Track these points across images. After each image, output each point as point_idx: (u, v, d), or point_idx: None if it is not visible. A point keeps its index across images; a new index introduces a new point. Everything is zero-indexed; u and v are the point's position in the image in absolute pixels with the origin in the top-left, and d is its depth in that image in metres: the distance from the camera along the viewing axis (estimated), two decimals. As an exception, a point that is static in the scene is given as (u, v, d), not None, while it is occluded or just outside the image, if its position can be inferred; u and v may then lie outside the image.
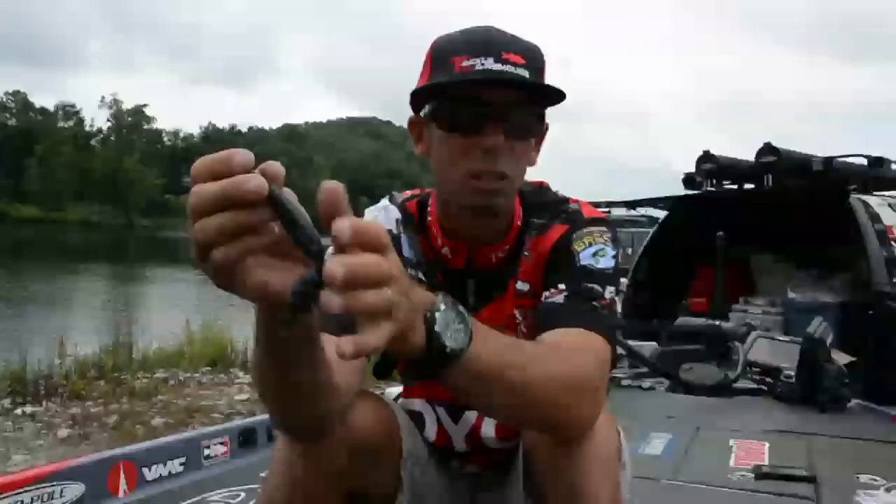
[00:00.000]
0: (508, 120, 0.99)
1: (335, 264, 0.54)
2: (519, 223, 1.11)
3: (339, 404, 0.87)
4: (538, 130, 1.05)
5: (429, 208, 1.14)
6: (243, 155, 0.56)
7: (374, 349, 0.57)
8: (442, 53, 1.01)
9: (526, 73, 0.98)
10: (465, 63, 0.98)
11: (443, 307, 0.71)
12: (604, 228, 1.07)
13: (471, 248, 1.10)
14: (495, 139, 0.98)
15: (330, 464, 0.96)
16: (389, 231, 1.12)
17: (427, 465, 1.18)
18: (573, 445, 0.93)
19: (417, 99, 1.06)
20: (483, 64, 0.97)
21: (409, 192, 1.20)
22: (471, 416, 1.16)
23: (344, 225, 0.55)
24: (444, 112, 1.02)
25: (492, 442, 1.17)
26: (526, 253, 1.09)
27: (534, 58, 1.01)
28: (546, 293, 1.01)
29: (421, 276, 1.12)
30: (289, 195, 0.58)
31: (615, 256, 1.05)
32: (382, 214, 1.16)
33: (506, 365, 0.77)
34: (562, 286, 1.00)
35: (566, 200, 1.13)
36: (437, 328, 0.69)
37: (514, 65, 0.98)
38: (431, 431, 1.19)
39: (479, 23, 1.06)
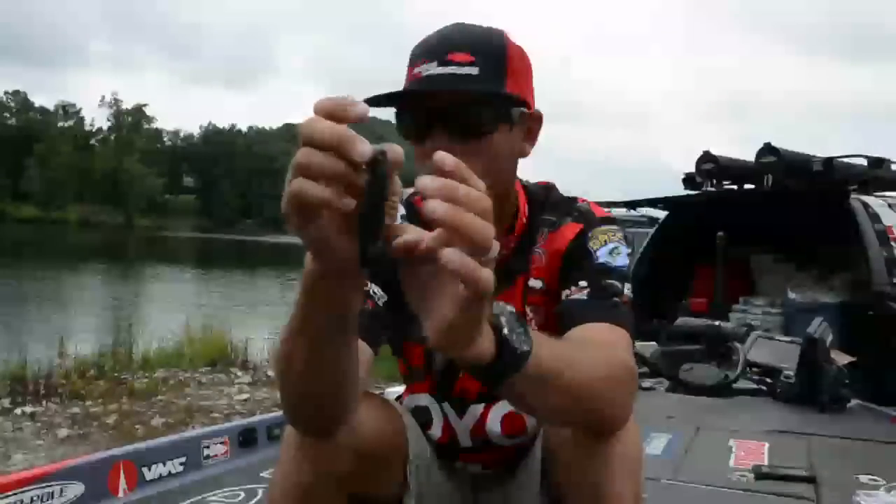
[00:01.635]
0: (453, 122, 0.97)
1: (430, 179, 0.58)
2: (525, 220, 1.11)
3: (355, 397, 0.88)
4: (493, 125, 1.00)
5: None
6: (361, 109, 0.60)
7: (483, 283, 0.59)
8: (410, 59, 1.03)
9: (475, 70, 0.97)
10: (415, 70, 0.99)
11: (506, 312, 0.71)
12: (616, 227, 1.09)
13: None
14: (435, 145, 0.95)
15: (336, 468, 0.96)
16: None
17: (432, 466, 1.18)
18: (599, 444, 0.93)
19: None
20: (427, 70, 0.97)
21: (413, 188, 1.19)
22: (476, 409, 1.16)
23: (447, 157, 0.59)
24: (398, 122, 1.03)
25: (497, 438, 1.16)
26: (539, 250, 1.10)
27: (486, 50, 0.99)
28: (567, 291, 1.03)
29: None
30: (395, 186, 0.61)
31: (629, 255, 1.07)
32: None
33: (560, 366, 0.78)
34: (583, 283, 1.02)
35: (575, 200, 1.14)
36: (505, 332, 0.69)
37: (460, 64, 0.97)
38: (437, 427, 1.19)
39: (478, 22, 1.05)
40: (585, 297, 1.00)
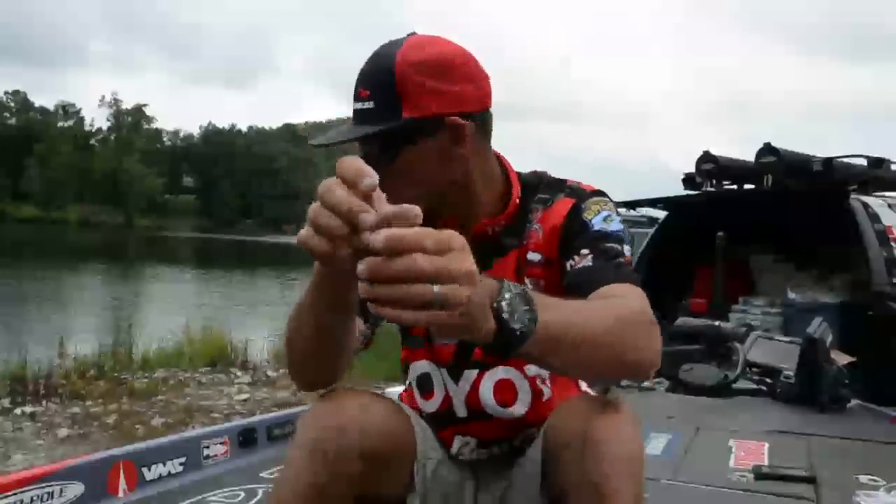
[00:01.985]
0: (368, 153, 1.07)
1: (364, 263, 0.68)
2: (517, 201, 1.18)
3: (350, 359, 1.07)
4: (397, 149, 1.07)
5: None
6: (370, 183, 0.72)
7: (427, 321, 0.70)
8: None
9: (371, 104, 1.06)
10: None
11: (507, 294, 0.79)
12: (606, 199, 1.17)
13: (462, 225, 1.14)
14: None
15: (347, 468, 1.00)
16: None
17: (439, 466, 1.20)
18: (598, 443, 0.95)
19: None
20: (353, 106, 1.09)
21: None
22: (470, 375, 1.20)
23: (378, 236, 0.68)
24: None
25: (490, 406, 1.20)
26: (536, 226, 1.17)
27: (378, 82, 1.05)
28: (570, 262, 1.09)
29: None
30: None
31: (622, 222, 1.13)
32: None
33: (568, 325, 0.86)
34: (584, 251, 1.08)
35: (565, 180, 1.20)
36: (504, 315, 0.78)
37: (364, 100, 1.06)
38: (439, 395, 1.23)
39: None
40: (590, 262, 1.06)
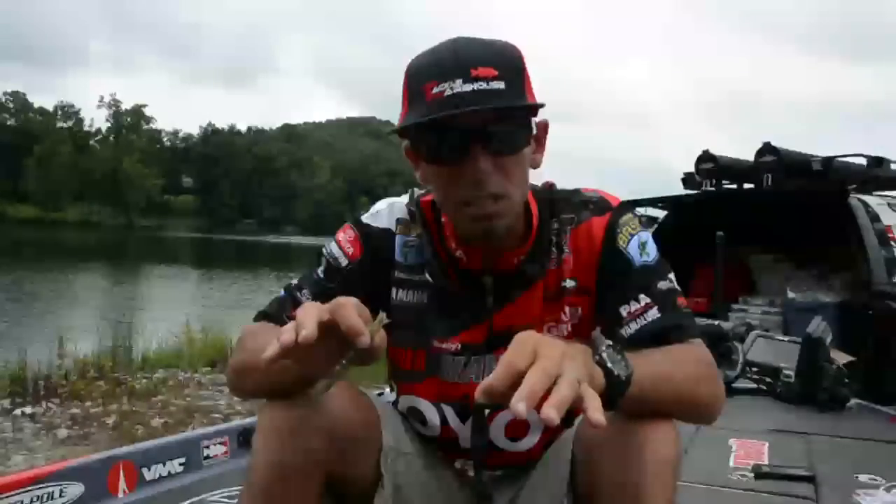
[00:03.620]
0: (491, 139, 0.95)
1: (516, 402, 0.70)
2: (536, 223, 1.09)
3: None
4: (526, 139, 1.01)
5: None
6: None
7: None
8: (414, 81, 0.98)
9: (501, 84, 0.94)
10: (435, 90, 0.94)
11: (604, 348, 0.85)
12: (632, 215, 1.11)
13: (485, 254, 1.08)
14: (479, 166, 0.95)
15: (310, 445, 0.97)
16: (387, 230, 1.13)
17: (413, 459, 1.16)
18: (630, 445, 0.93)
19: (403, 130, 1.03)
20: (452, 88, 0.93)
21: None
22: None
23: (519, 397, 0.70)
24: (425, 144, 1.01)
25: (500, 441, 1.15)
26: (567, 250, 1.09)
27: (507, 64, 0.96)
28: (625, 307, 1.05)
29: (428, 276, 1.11)
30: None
31: (654, 239, 1.10)
32: (386, 210, 1.16)
33: (656, 378, 0.91)
34: (644, 298, 1.05)
35: (579, 191, 1.13)
36: (609, 366, 0.84)
37: (486, 79, 0.93)
38: (434, 429, 1.17)
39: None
40: (658, 316, 1.04)
